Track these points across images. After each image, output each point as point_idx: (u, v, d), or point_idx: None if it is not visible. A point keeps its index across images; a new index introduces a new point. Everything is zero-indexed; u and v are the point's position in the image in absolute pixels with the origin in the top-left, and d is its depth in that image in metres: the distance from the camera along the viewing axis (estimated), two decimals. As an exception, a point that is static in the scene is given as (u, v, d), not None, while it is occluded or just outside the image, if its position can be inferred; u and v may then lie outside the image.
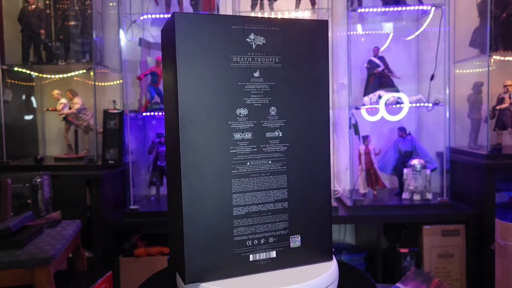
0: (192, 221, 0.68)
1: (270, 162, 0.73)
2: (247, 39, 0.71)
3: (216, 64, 0.69)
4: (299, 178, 0.75)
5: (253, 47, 0.71)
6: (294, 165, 0.74)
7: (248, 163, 0.72)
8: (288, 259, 0.75)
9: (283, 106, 0.73)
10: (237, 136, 0.71)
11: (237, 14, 2.23)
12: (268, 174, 0.73)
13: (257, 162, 0.72)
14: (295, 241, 0.75)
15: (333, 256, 0.80)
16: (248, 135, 0.72)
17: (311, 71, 0.75)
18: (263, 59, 0.72)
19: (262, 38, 0.72)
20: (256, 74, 0.72)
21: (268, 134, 0.73)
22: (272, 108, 0.73)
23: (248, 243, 0.72)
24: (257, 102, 0.72)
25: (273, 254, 0.74)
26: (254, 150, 0.72)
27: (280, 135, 0.73)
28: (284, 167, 0.74)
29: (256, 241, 0.73)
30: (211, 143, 0.69)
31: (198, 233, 0.69)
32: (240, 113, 0.71)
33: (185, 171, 0.68)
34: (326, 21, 0.76)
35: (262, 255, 0.73)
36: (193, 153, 0.68)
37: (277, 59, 0.73)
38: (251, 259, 0.72)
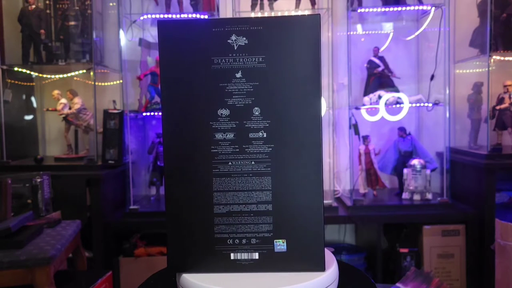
0: (174, 214, 0.74)
1: (253, 163, 0.72)
2: (228, 41, 0.71)
3: (197, 66, 0.72)
4: (285, 181, 0.72)
5: (235, 48, 0.71)
6: (279, 167, 0.72)
7: (230, 163, 0.72)
8: (272, 263, 0.73)
9: (268, 106, 0.71)
10: (219, 136, 0.72)
11: (237, 14, 2.23)
12: (250, 175, 0.72)
13: (239, 163, 0.72)
14: (280, 246, 0.72)
15: (333, 256, 0.79)
16: (230, 135, 0.72)
17: (300, 69, 0.71)
18: (245, 60, 0.71)
19: (245, 38, 0.71)
20: (238, 75, 0.71)
21: (251, 135, 0.72)
22: (256, 108, 0.72)
23: (229, 241, 0.73)
24: (239, 102, 0.72)
25: (256, 255, 0.73)
26: (236, 151, 0.72)
27: (265, 136, 0.72)
28: (269, 169, 0.72)
29: (238, 241, 0.73)
30: (193, 142, 0.72)
31: (180, 227, 0.74)
32: (221, 114, 0.72)
33: (168, 167, 0.73)
34: (318, 15, 0.71)
35: (244, 256, 0.73)
36: (176, 151, 0.73)
37: (261, 59, 0.71)
38: (232, 257, 0.73)
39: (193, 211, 0.74)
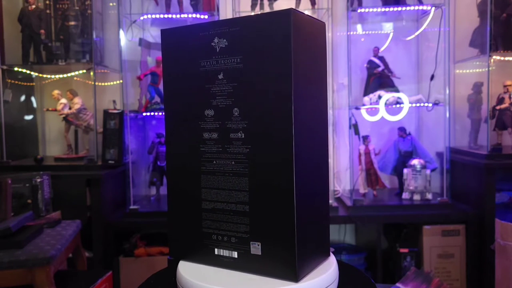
0: (174, 209, 0.81)
1: (233, 163, 0.73)
2: (212, 43, 0.73)
3: (190, 70, 0.76)
4: (262, 183, 0.70)
5: (217, 50, 0.73)
6: (256, 168, 0.70)
7: (214, 162, 0.75)
8: (249, 264, 0.72)
9: (246, 107, 0.71)
10: (206, 135, 0.75)
11: (237, 14, 2.23)
12: (231, 174, 0.73)
13: (222, 162, 0.74)
14: (256, 248, 0.72)
15: (333, 256, 0.79)
16: (215, 135, 0.74)
17: (274, 68, 0.68)
18: (226, 61, 0.72)
19: (225, 40, 0.72)
20: (220, 76, 0.73)
21: (231, 135, 0.73)
22: (235, 109, 0.72)
23: (214, 237, 0.76)
24: (222, 103, 0.73)
25: (235, 254, 0.74)
26: (220, 150, 0.74)
27: (243, 136, 0.71)
28: (246, 170, 0.71)
29: (220, 237, 0.75)
30: (186, 141, 0.78)
31: (177, 218, 0.81)
32: (207, 114, 0.75)
33: (169, 163, 0.81)
34: (289, 10, 0.66)
35: (225, 252, 0.75)
36: (175, 148, 0.80)
37: (238, 60, 0.71)
38: (216, 252, 0.76)
39: (187, 205, 0.79)
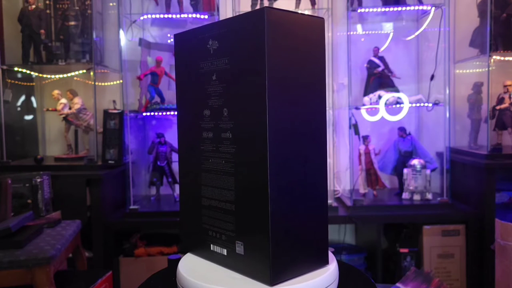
0: (183, 203, 0.85)
1: (223, 162, 0.74)
2: (207, 46, 0.75)
3: (192, 71, 0.80)
4: (245, 183, 0.70)
5: (211, 52, 0.75)
6: (241, 168, 0.71)
7: (210, 160, 0.77)
8: (235, 262, 0.73)
9: (233, 107, 0.71)
10: (204, 134, 0.78)
11: (237, 14, 2.23)
12: (222, 173, 0.74)
13: (215, 161, 0.76)
14: (240, 247, 0.72)
15: (333, 256, 0.79)
16: (210, 134, 0.76)
17: (251, 68, 0.67)
18: (217, 62, 0.74)
19: (216, 42, 0.73)
20: (214, 77, 0.75)
21: (222, 135, 0.74)
22: (225, 109, 0.73)
23: (210, 233, 0.79)
24: (215, 103, 0.75)
25: (225, 252, 0.75)
26: (214, 149, 0.76)
27: (230, 136, 0.72)
28: (233, 169, 0.72)
29: (214, 234, 0.77)
30: (190, 139, 0.81)
31: (185, 213, 0.85)
32: (205, 114, 0.77)
33: (180, 159, 0.85)
34: (263, 9, 0.64)
35: (218, 249, 0.77)
36: (183, 147, 0.84)
37: (226, 60, 0.72)
38: (211, 248, 0.78)
39: (191, 201, 0.82)
